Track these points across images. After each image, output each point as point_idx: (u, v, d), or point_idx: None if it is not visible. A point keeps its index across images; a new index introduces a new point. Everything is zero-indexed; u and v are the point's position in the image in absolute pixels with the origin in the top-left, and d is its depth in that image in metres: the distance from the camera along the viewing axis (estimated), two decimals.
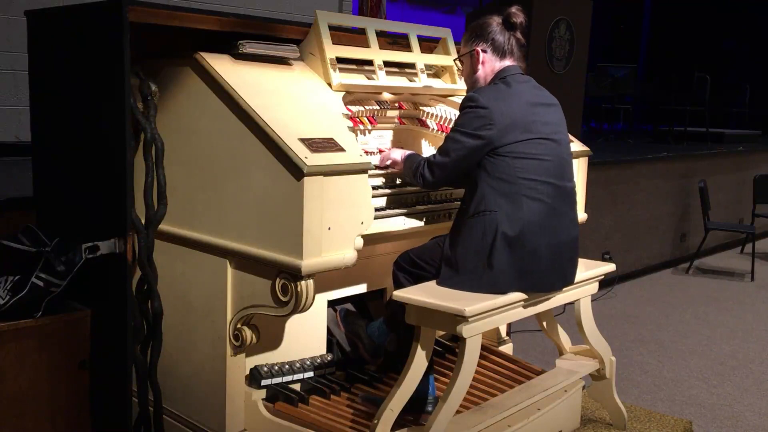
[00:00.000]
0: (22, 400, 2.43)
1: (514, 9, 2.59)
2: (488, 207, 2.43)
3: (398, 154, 2.75)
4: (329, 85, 2.69)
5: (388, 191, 2.70)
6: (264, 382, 2.61)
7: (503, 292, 2.43)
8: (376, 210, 2.53)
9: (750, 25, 13.39)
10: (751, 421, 3.53)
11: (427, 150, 3.18)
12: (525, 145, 2.46)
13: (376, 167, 2.77)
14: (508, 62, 2.61)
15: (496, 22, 2.61)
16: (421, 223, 2.72)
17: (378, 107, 2.94)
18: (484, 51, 2.61)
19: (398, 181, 2.80)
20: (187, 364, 2.60)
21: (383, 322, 2.80)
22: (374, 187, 2.63)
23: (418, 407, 2.60)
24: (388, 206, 2.66)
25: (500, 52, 2.60)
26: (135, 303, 2.44)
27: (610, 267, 3.01)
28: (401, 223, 2.65)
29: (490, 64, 2.62)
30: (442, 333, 3.12)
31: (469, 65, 2.66)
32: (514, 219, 2.42)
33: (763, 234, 8.08)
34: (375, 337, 2.84)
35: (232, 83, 2.35)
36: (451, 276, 2.48)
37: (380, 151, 2.99)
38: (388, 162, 2.78)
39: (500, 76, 2.58)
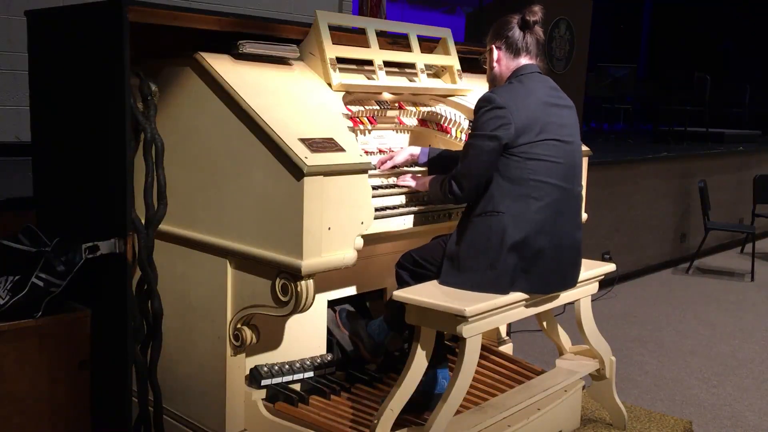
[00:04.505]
0: (22, 400, 2.43)
1: (535, 7, 2.60)
2: (496, 208, 2.43)
3: (425, 183, 2.70)
4: (329, 85, 2.69)
5: (387, 191, 2.70)
6: (264, 382, 2.61)
7: (504, 292, 2.43)
8: (376, 210, 2.53)
9: (750, 25, 13.39)
10: (751, 421, 3.53)
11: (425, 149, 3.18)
12: (539, 146, 2.45)
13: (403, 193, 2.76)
14: (524, 60, 2.61)
15: (515, 20, 2.63)
16: (420, 223, 2.71)
17: (378, 107, 2.94)
18: (498, 48, 2.63)
19: (390, 181, 2.80)
20: (187, 364, 2.60)
21: (383, 321, 2.81)
22: (374, 187, 2.63)
23: (424, 404, 2.60)
24: (388, 206, 2.65)
25: (514, 50, 2.61)
26: (135, 303, 2.44)
27: (610, 267, 3.01)
28: (401, 223, 2.65)
29: (505, 62, 2.63)
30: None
31: (488, 62, 2.69)
32: (520, 221, 2.42)
33: (763, 234, 8.08)
34: (375, 336, 2.84)
35: (232, 83, 2.35)
36: (453, 273, 2.48)
37: (380, 152, 2.99)
38: (417, 189, 2.73)
39: (516, 75, 2.58)
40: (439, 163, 2.82)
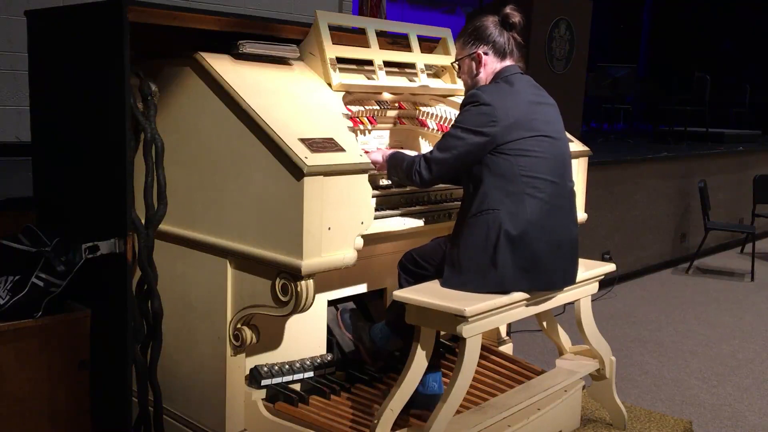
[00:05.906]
0: (22, 400, 2.43)
1: (509, 9, 2.59)
2: (491, 205, 2.43)
3: (379, 156, 2.69)
4: (329, 85, 2.69)
5: (388, 191, 2.70)
6: (264, 382, 2.61)
7: (507, 291, 2.43)
8: (376, 210, 2.53)
9: (750, 25, 13.39)
10: (751, 421, 3.53)
11: (426, 150, 3.18)
12: (527, 142, 2.46)
13: None
14: (508, 62, 2.61)
15: (493, 23, 2.60)
16: (420, 223, 2.71)
17: (378, 107, 2.94)
18: (485, 53, 2.60)
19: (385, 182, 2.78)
20: (187, 364, 2.60)
21: (386, 325, 2.80)
22: (374, 187, 2.62)
23: (424, 404, 2.60)
24: (388, 206, 2.65)
25: (501, 54, 2.60)
26: (135, 303, 2.44)
27: (610, 267, 3.01)
28: (401, 223, 2.65)
29: (491, 66, 2.61)
30: (442, 333, 3.11)
31: (470, 68, 2.65)
32: (516, 217, 2.42)
33: (763, 234, 8.08)
34: (377, 341, 2.83)
35: (232, 83, 2.35)
36: (454, 276, 2.47)
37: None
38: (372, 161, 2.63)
39: (501, 75, 2.58)
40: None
